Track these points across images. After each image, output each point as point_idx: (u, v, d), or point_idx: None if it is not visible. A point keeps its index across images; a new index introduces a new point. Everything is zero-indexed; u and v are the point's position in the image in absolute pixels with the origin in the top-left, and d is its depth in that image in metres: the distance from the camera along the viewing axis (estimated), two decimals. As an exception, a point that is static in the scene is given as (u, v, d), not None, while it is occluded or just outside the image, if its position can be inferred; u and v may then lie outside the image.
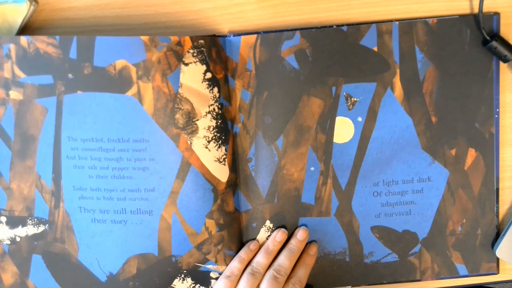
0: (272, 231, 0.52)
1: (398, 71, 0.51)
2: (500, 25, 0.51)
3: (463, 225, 0.54)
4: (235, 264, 0.50)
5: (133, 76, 0.48)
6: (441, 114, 0.52)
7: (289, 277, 0.50)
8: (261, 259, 0.50)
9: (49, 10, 0.51)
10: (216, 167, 0.50)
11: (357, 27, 0.50)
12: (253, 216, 0.52)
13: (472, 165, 0.53)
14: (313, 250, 0.52)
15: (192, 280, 0.52)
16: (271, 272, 0.49)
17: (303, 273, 0.51)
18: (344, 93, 0.51)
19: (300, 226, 0.53)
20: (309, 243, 0.53)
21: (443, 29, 0.50)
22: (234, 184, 0.51)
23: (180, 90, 0.48)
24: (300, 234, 0.52)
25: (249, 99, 0.51)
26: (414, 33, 0.50)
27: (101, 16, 0.51)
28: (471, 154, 0.52)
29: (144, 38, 0.47)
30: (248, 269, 0.50)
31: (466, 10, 0.51)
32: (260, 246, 0.52)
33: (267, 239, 0.52)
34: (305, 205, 0.52)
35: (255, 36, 0.50)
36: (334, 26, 0.50)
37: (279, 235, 0.52)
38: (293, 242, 0.52)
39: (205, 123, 0.49)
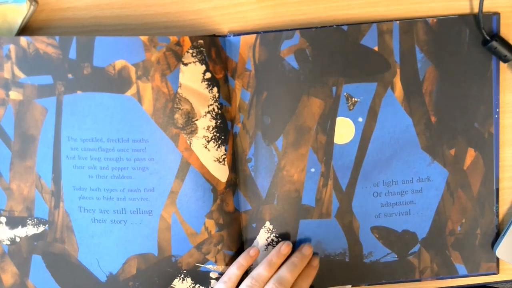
0: (272, 232, 0.52)
1: (398, 70, 0.51)
2: (500, 25, 0.51)
3: (462, 224, 0.54)
4: (234, 271, 0.50)
5: (132, 76, 0.48)
6: (440, 114, 0.52)
7: None
8: (262, 271, 0.49)
9: (49, 10, 0.51)
10: (215, 167, 0.50)
11: (358, 27, 0.50)
12: (253, 216, 0.52)
13: (472, 165, 0.53)
14: (315, 262, 0.52)
15: (192, 280, 0.52)
16: (270, 285, 0.48)
17: (305, 285, 0.50)
18: (345, 93, 0.51)
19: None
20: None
21: (443, 29, 0.50)
22: (234, 184, 0.51)
23: (179, 90, 0.48)
24: (306, 249, 0.51)
25: (249, 99, 0.51)
26: (414, 32, 0.50)
27: (101, 16, 0.51)
28: (471, 154, 0.52)
29: (143, 38, 0.47)
30: (248, 281, 0.48)
31: (466, 10, 0.51)
32: (260, 250, 0.52)
33: (266, 240, 0.52)
34: (305, 207, 0.52)
35: (254, 36, 0.50)
36: (334, 26, 0.50)
37: (284, 248, 0.51)
38: (298, 255, 0.51)
39: (205, 123, 0.49)
